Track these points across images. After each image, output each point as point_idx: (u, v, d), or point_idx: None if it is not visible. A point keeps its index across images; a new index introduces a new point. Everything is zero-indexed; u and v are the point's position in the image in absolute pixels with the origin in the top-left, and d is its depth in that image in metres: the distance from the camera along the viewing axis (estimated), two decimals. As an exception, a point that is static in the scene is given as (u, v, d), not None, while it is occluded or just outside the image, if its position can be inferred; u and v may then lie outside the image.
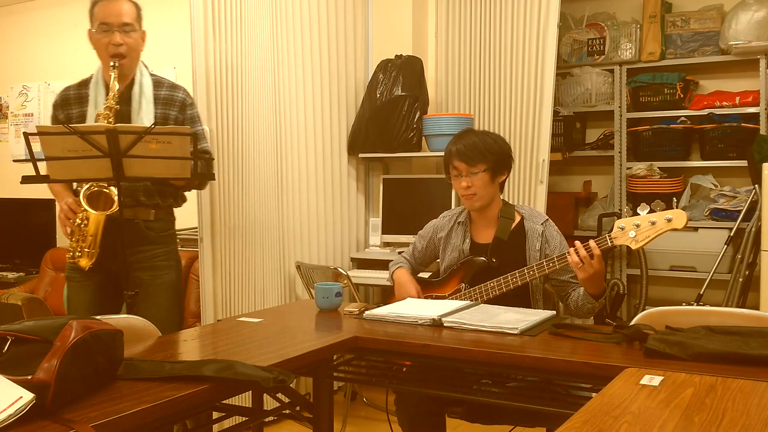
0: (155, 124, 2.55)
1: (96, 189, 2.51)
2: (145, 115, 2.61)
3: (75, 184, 2.64)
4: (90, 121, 2.59)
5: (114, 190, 2.48)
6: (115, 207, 2.47)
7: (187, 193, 2.83)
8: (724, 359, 1.70)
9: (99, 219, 2.51)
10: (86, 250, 2.51)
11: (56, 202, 2.63)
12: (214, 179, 3.02)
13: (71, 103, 2.70)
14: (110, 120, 2.52)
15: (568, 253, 2.32)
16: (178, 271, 2.78)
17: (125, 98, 2.63)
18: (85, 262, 2.53)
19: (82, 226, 2.51)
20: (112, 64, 2.57)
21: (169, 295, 2.71)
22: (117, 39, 2.57)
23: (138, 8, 2.67)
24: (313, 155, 4.00)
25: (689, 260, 4.24)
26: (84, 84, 2.71)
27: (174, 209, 2.80)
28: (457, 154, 2.56)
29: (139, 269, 2.64)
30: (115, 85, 2.56)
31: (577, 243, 2.31)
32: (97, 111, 2.59)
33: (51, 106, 2.77)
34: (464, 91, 4.24)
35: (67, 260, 2.60)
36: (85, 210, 2.50)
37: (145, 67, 2.73)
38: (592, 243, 2.29)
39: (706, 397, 1.44)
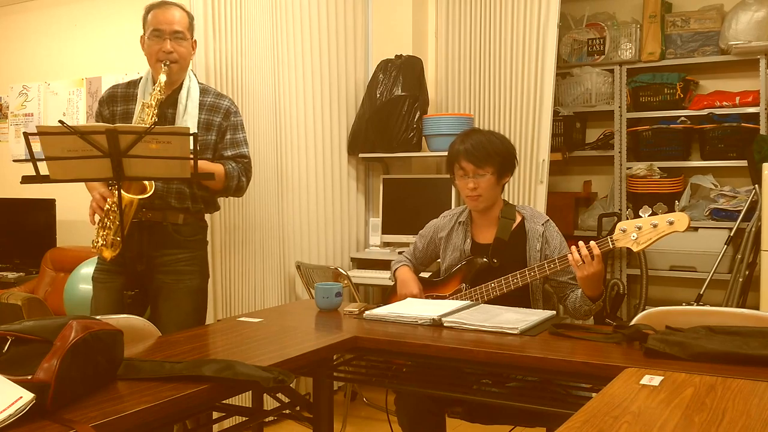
0: (199, 128, 2.61)
1: None
2: (189, 118, 2.64)
3: None
4: (135, 118, 2.61)
5: None
6: (148, 193, 2.47)
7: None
8: (724, 359, 1.70)
9: (129, 204, 2.45)
10: (111, 238, 2.48)
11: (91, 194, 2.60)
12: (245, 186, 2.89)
13: (117, 100, 2.73)
14: (154, 112, 2.54)
15: (570, 252, 2.32)
16: (202, 277, 2.76)
17: (172, 102, 2.66)
18: (108, 253, 2.49)
19: (110, 212, 2.48)
20: (163, 63, 2.60)
21: (190, 300, 2.69)
22: (167, 47, 2.61)
23: (190, 18, 2.72)
24: (313, 155, 4.00)
25: (689, 260, 4.24)
26: (133, 84, 2.76)
27: (206, 215, 2.81)
28: (465, 154, 2.55)
29: (163, 272, 2.64)
30: (162, 78, 2.58)
31: (580, 243, 2.31)
32: (143, 101, 2.60)
33: (97, 102, 2.79)
34: (464, 91, 4.23)
35: (97, 256, 2.57)
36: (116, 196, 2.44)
37: (194, 75, 2.77)
38: (592, 243, 2.29)
39: (706, 397, 1.44)
